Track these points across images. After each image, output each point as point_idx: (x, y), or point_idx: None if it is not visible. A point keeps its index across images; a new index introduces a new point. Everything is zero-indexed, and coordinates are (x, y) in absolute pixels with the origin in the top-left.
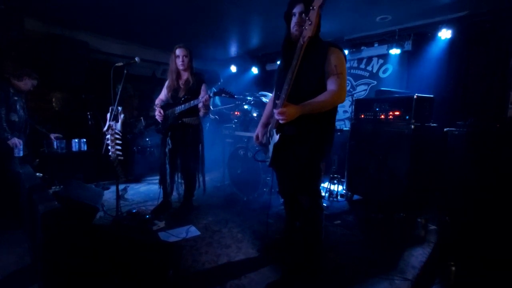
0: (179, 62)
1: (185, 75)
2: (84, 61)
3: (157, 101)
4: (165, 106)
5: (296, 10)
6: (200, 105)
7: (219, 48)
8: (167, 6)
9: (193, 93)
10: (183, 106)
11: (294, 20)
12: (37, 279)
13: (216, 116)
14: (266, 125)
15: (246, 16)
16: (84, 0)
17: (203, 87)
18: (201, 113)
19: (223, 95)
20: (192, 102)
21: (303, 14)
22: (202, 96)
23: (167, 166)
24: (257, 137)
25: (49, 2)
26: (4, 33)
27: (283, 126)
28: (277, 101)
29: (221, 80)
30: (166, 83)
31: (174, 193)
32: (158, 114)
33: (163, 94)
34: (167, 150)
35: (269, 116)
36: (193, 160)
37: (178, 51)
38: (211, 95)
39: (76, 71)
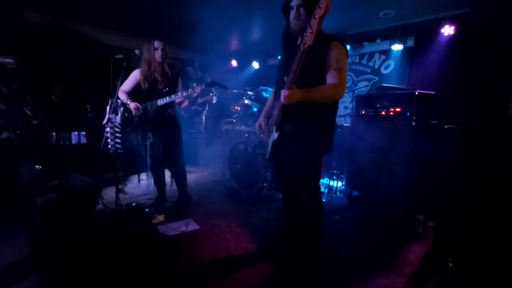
0: (158, 54)
1: (161, 67)
2: (84, 53)
3: (122, 95)
4: (137, 100)
5: (294, 3)
6: (190, 95)
7: (220, 41)
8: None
9: (173, 85)
10: (167, 98)
11: (292, 13)
12: (36, 271)
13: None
14: (268, 115)
15: (248, 10)
16: None
17: (179, 79)
18: (184, 105)
19: (216, 86)
20: (184, 93)
21: (301, 8)
22: (180, 88)
23: (148, 160)
24: (260, 126)
25: None
26: (3, 24)
27: (283, 124)
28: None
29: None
30: (136, 75)
31: (173, 187)
32: (136, 108)
33: (128, 86)
34: (148, 144)
35: (270, 108)
36: (178, 151)
37: (157, 44)
38: (203, 87)
39: (75, 63)
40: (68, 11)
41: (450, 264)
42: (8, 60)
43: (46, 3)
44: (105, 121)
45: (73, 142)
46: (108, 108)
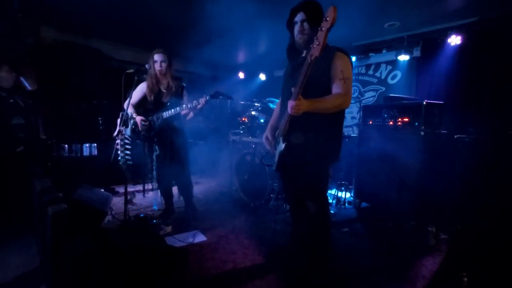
0: (157, 67)
1: (165, 80)
2: (96, 67)
3: (130, 110)
4: (144, 113)
5: (297, 18)
6: (195, 106)
7: (227, 54)
8: (176, 16)
9: (178, 97)
10: (173, 110)
11: (296, 28)
12: (45, 280)
13: None
14: (275, 127)
15: (254, 24)
16: (98, 9)
17: (184, 92)
18: (189, 117)
19: (220, 97)
20: (189, 105)
21: (305, 23)
22: (185, 100)
23: (155, 172)
24: (267, 138)
25: (64, 10)
26: (20, 41)
27: (290, 135)
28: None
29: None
30: (142, 88)
31: (181, 198)
32: (143, 123)
33: (135, 100)
34: (154, 156)
35: (277, 120)
36: (184, 162)
37: (156, 57)
38: (207, 98)
39: (88, 77)
40: (82, 28)
41: (465, 279)
42: (29, 82)
43: (62, 21)
44: (115, 133)
45: (85, 153)
46: (118, 120)
